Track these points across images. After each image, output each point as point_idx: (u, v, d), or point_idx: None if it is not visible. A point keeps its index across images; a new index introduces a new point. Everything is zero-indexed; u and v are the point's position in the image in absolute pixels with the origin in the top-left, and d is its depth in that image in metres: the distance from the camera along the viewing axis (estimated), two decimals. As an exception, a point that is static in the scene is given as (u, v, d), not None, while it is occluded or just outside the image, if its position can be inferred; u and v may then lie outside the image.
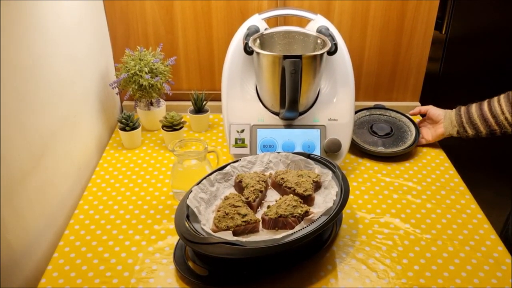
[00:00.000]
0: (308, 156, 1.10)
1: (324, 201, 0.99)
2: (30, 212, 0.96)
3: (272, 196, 1.04)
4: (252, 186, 1.00)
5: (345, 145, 1.21)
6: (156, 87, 1.34)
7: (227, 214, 0.92)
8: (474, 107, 1.23)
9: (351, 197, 1.14)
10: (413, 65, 1.51)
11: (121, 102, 1.56)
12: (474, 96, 1.27)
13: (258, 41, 1.18)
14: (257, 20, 1.23)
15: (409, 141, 1.32)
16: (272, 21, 1.41)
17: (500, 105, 1.17)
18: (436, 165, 1.29)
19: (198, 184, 1.00)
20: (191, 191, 0.97)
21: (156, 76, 1.33)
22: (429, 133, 1.33)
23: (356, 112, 1.39)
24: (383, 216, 1.10)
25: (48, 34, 1.04)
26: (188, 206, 0.93)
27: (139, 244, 1.01)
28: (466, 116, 1.22)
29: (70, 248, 0.99)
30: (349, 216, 1.09)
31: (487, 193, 1.36)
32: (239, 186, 1.03)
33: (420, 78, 1.54)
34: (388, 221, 1.08)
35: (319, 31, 1.19)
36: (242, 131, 1.20)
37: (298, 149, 1.19)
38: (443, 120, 1.28)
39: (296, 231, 0.87)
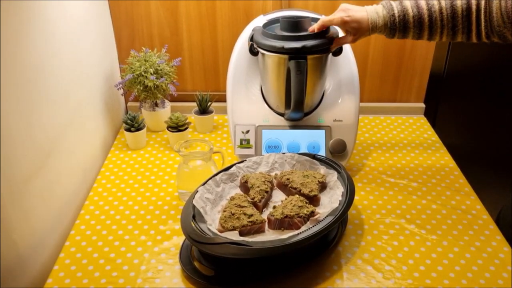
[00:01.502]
0: (314, 156, 1.10)
1: (329, 202, 0.99)
2: (36, 213, 0.96)
3: (278, 196, 1.04)
4: (258, 187, 1.00)
5: (350, 145, 1.21)
6: (161, 88, 1.34)
7: (233, 214, 0.92)
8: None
9: (356, 197, 1.14)
10: (418, 66, 1.51)
11: (126, 103, 1.57)
12: (479, 97, 1.27)
13: (263, 42, 1.18)
14: (261, 21, 1.23)
15: None
16: (277, 22, 1.41)
17: None
18: (441, 166, 1.28)
19: (203, 184, 1.00)
20: (197, 191, 0.97)
21: (161, 77, 1.33)
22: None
23: None
24: (388, 216, 1.10)
25: (54, 36, 1.04)
26: (194, 206, 0.93)
27: (144, 244, 1.01)
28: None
29: (76, 248, 1.00)
30: (355, 217, 1.09)
31: (493, 194, 1.36)
32: (245, 187, 1.03)
33: (424, 79, 1.54)
34: (394, 222, 1.08)
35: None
36: (247, 131, 1.21)
37: (303, 149, 1.19)
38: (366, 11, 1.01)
39: (302, 232, 0.87)
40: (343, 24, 1.02)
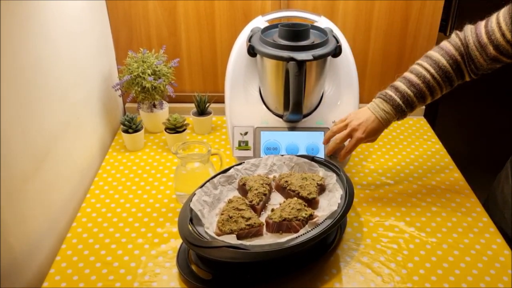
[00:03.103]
0: (312, 158, 1.09)
1: (328, 204, 0.98)
2: (32, 215, 0.96)
3: (276, 199, 1.03)
4: (256, 189, 0.99)
5: (349, 147, 1.20)
6: (159, 89, 1.33)
7: (230, 217, 0.91)
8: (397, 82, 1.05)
9: (355, 200, 1.13)
10: (417, 67, 1.50)
11: (124, 104, 1.56)
12: (479, 98, 1.26)
13: (261, 43, 1.18)
14: (260, 22, 1.23)
15: None
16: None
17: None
18: (441, 168, 1.28)
19: (201, 187, 0.99)
20: (195, 194, 0.96)
21: (159, 78, 1.33)
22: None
23: None
24: (387, 219, 1.09)
25: (51, 36, 1.03)
26: (191, 209, 0.92)
27: (142, 247, 1.00)
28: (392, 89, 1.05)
29: (73, 252, 0.99)
30: (354, 220, 1.08)
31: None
32: (243, 189, 1.02)
33: (424, 80, 1.53)
34: (393, 225, 1.07)
35: (323, 33, 1.19)
36: (246, 133, 1.20)
37: (302, 151, 1.19)
38: (371, 114, 1.06)
39: (301, 235, 0.87)
40: (360, 142, 1.07)
